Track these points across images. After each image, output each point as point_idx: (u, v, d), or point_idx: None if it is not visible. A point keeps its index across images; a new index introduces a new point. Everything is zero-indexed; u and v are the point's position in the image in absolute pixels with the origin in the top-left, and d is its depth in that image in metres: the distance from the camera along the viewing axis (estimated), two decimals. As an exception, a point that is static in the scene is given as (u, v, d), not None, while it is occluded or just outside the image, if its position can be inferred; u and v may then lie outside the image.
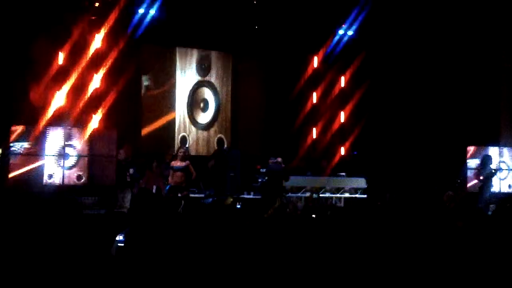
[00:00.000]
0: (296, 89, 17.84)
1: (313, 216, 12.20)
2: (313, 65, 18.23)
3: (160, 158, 14.92)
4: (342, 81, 18.37)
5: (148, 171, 14.55)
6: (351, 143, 18.04)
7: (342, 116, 18.28)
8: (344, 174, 16.45)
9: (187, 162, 13.56)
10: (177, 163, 13.55)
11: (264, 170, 15.07)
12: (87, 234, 7.53)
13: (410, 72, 17.38)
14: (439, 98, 17.19)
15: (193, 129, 17.10)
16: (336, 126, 18.31)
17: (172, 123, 16.82)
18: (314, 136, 18.10)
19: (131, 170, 13.74)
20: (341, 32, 17.77)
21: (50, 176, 13.52)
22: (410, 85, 17.41)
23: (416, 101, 17.33)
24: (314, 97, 18.25)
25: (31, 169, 13.22)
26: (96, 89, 15.09)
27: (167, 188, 13.57)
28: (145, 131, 16.42)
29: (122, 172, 13.77)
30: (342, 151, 17.94)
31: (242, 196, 14.81)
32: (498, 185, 16.81)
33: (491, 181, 14.47)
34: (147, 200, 10.72)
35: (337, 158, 17.73)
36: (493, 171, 14.44)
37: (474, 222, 9.58)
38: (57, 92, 14.44)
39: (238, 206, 10.65)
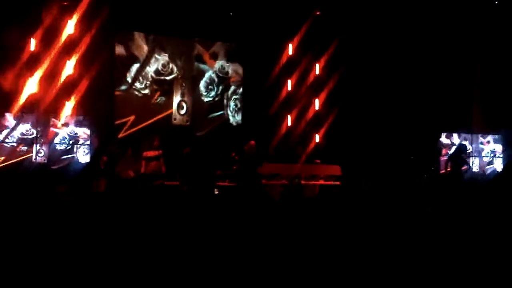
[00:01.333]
0: (271, 76, 17.69)
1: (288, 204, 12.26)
2: (287, 52, 18.15)
3: (135, 146, 14.74)
4: (317, 68, 18.34)
5: (122, 158, 14.42)
6: (325, 130, 18.05)
7: (317, 104, 18.27)
8: (319, 161, 16.48)
9: (160, 151, 13.19)
10: (150, 153, 13.23)
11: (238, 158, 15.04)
12: (62, 219, 7.46)
13: (385, 59, 17.47)
14: (413, 85, 17.35)
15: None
16: (311, 113, 18.30)
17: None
18: (289, 123, 18.07)
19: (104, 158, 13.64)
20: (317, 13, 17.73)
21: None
22: (384, 71, 17.51)
23: (390, 87, 17.45)
24: (289, 85, 18.19)
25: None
26: (69, 76, 14.37)
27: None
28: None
29: (96, 159, 13.67)
30: (317, 138, 17.95)
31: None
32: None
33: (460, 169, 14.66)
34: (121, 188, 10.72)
35: (312, 145, 17.75)
36: (463, 161, 14.59)
37: (444, 208, 9.72)
38: (29, 78, 13.77)
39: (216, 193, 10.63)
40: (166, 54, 12.70)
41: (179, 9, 15.28)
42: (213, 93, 13.25)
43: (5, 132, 11.77)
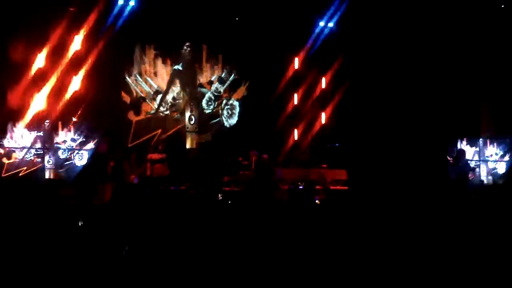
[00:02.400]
0: (277, 90, 18.00)
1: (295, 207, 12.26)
2: (293, 66, 18.30)
3: (140, 151, 15.30)
4: (323, 82, 18.49)
5: (126, 163, 14.51)
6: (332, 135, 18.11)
7: (324, 117, 18.41)
8: (325, 166, 16.48)
9: (164, 154, 14.47)
10: (155, 156, 14.44)
11: (246, 163, 15.22)
12: (68, 225, 7.46)
13: (391, 70, 17.47)
14: (420, 96, 17.33)
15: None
16: (317, 127, 18.46)
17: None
18: (296, 137, 18.26)
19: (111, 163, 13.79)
20: (321, 24, 17.80)
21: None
22: (391, 82, 17.50)
23: (397, 98, 17.43)
24: (295, 98, 18.31)
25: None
26: (75, 92, 15.23)
27: (135, 180, 13.75)
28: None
29: (102, 164, 13.69)
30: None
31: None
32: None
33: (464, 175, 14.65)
34: (128, 193, 10.69)
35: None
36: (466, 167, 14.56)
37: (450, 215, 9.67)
38: (36, 94, 14.68)
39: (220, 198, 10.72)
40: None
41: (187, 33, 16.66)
42: (211, 107, 17.29)
43: (25, 150, 14.44)
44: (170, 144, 15.45)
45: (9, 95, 14.30)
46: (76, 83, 15.23)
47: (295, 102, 18.47)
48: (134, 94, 16.31)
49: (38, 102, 14.76)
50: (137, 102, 16.35)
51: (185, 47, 16.90)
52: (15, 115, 14.46)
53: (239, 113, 17.74)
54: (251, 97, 18.03)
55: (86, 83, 15.32)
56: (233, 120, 17.51)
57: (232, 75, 17.64)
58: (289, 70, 18.34)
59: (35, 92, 14.67)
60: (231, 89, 17.68)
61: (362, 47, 17.72)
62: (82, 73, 15.25)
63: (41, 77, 14.72)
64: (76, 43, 15.21)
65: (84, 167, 14.52)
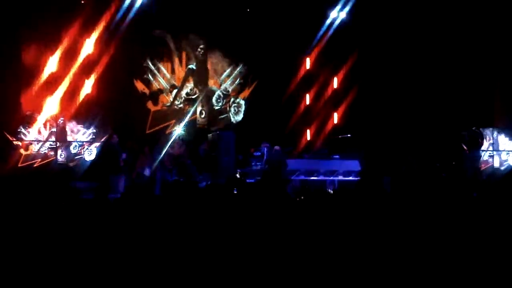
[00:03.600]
0: (288, 90, 18.32)
1: (301, 198, 12.28)
2: (305, 66, 18.37)
3: (151, 142, 15.55)
4: (335, 82, 18.53)
5: (141, 155, 14.64)
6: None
7: (336, 117, 18.46)
8: (338, 156, 16.46)
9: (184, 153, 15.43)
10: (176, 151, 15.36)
11: (258, 154, 15.26)
12: (83, 218, 7.52)
13: (403, 68, 17.43)
14: (433, 92, 17.25)
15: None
16: (329, 126, 18.53)
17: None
18: (308, 137, 18.33)
19: (123, 155, 13.93)
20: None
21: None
22: (403, 81, 17.46)
23: (409, 96, 17.40)
24: (307, 99, 18.50)
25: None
26: (87, 95, 16.02)
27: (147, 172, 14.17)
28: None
29: (115, 157, 13.79)
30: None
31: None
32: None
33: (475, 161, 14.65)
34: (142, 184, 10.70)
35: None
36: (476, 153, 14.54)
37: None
38: (49, 97, 15.45)
39: (235, 191, 10.74)
40: (192, 83, 18.01)
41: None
42: (220, 104, 18.42)
43: (40, 143, 15.45)
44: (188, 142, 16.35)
45: (25, 92, 15.19)
46: (92, 81, 16.04)
47: (307, 102, 18.60)
48: (153, 86, 17.59)
49: (54, 100, 15.53)
50: (156, 94, 17.61)
51: (199, 49, 17.99)
52: (31, 111, 15.27)
53: (244, 111, 18.66)
54: (259, 96, 18.49)
55: (103, 82, 16.07)
56: (239, 117, 18.61)
57: (238, 79, 18.62)
58: (301, 70, 18.70)
59: (50, 91, 15.44)
60: (239, 89, 18.69)
61: (374, 42, 17.67)
62: (98, 70, 15.97)
63: (56, 79, 15.47)
64: (92, 40, 15.87)
65: (96, 159, 14.85)
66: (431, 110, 17.31)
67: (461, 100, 17.20)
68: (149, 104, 17.49)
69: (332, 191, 14.50)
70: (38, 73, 15.21)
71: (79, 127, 15.88)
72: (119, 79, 16.42)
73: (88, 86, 15.90)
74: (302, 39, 18.08)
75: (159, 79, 17.60)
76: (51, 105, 15.42)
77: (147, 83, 17.40)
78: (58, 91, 15.42)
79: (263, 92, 18.36)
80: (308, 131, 18.50)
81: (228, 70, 18.41)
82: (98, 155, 15.00)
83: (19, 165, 14.93)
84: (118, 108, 16.31)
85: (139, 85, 17.25)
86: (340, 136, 17.58)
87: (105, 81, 16.00)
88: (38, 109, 15.29)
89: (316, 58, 18.53)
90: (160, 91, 17.59)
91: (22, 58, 15.02)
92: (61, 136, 15.25)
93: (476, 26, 16.91)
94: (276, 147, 15.18)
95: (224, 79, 18.41)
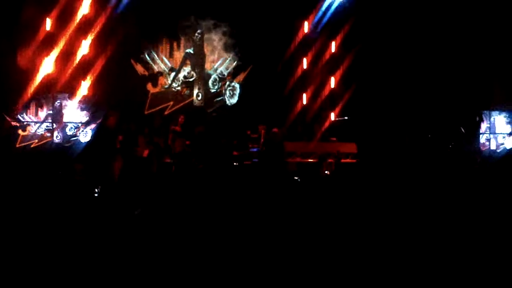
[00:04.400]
0: (286, 55, 17.88)
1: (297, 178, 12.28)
2: (303, 30, 18.16)
3: (151, 123, 15.79)
4: (333, 47, 18.29)
5: (141, 136, 14.58)
6: (341, 108, 17.98)
7: (333, 82, 18.23)
8: (335, 139, 16.41)
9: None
10: (178, 128, 15.39)
11: (255, 136, 15.23)
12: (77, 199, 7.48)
13: (401, 35, 17.24)
14: (431, 61, 17.11)
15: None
16: (326, 92, 18.29)
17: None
18: (304, 102, 18.13)
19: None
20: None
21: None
22: (400, 48, 17.27)
23: (408, 64, 17.23)
24: (305, 63, 18.22)
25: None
26: (84, 56, 16.06)
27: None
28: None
29: (111, 139, 13.70)
30: (332, 116, 17.87)
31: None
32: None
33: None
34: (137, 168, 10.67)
35: (327, 124, 17.70)
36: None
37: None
38: (46, 58, 15.55)
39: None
40: (189, 66, 18.36)
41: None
42: (216, 87, 18.70)
43: (38, 124, 15.78)
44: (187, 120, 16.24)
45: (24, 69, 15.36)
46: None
47: (304, 66, 18.36)
48: (152, 69, 17.97)
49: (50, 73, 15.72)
50: (155, 76, 17.97)
51: (197, 34, 18.17)
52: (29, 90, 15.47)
53: (239, 94, 18.77)
54: (255, 76, 18.46)
55: (106, 60, 16.14)
56: (234, 100, 18.87)
57: (235, 62, 18.71)
58: (299, 34, 18.30)
59: (46, 59, 15.59)
60: (234, 74, 18.82)
61: (374, 12, 17.50)
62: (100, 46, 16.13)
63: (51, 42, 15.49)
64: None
65: (92, 141, 14.92)
66: (430, 91, 17.18)
67: (460, 81, 17.09)
68: (149, 86, 17.84)
69: (328, 173, 14.50)
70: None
71: (77, 106, 16.14)
72: (118, 60, 16.49)
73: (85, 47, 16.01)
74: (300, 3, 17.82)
75: (158, 62, 17.91)
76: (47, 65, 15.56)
77: (146, 66, 17.69)
78: (56, 56, 15.56)
79: (259, 72, 18.27)
80: (304, 95, 18.28)
81: (224, 56, 18.57)
82: (94, 136, 14.98)
83: (17, 145, 15.40)
84: (117, 89, 16.40)
85: (139, 68, 17.56)
86: (337, 119, 17.51)
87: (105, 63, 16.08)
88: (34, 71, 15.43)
89: (314, 22, 18.19)
90: (160, 73, 17.98)
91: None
92: (57, 117, 15.60)
93: (476, 8, 16.81)
94: (274, 129, 15.03)
95: (221, 64, 18.58)
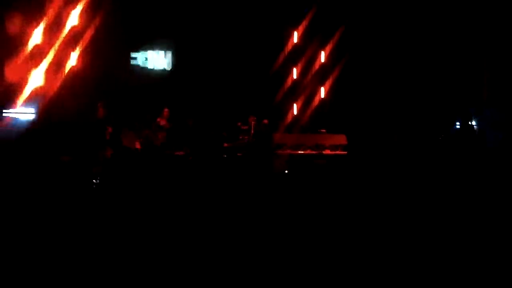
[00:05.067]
0: (276, 64, 18.10)
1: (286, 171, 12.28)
2: (293, 40, 18.18)
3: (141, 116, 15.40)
4: (322, 56, 18.41)
5: (125, 129, 14.51)
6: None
7: (323, 91, 18.37)
8: (324, 130, 16.46)
9: (171, 124, 14.93)
10: (163, 121, 14.95)
11: (245, 127, 15.22)
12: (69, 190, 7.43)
13: (390, 38, 17.37)
14: (420, 66, 17.23)
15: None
16: (316, 101, 18.47)
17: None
18: (295, 112, 18.27)
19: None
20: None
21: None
22: (390, 49, 17.40)
23: (396, 69, 17.36)
24: (295, 72, 18.40)
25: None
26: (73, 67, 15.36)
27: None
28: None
29: (101, 130, 13.65)
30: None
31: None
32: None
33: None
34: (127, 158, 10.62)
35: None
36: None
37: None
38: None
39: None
40: None
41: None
42: None
43: None
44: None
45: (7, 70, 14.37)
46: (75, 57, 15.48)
47: (294, 76, 18.45)
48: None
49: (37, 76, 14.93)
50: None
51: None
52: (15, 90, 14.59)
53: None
54: (246, 71, 18.14)
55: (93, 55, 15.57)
56: None
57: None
58: (288, 44, 18.43)
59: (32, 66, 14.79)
60: None
61: (362, 17, 17.63)
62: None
63: (40, 53, 14.80)
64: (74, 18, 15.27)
65: (82, 132, 14.71)
66: (418, 86, 17.29)
67: (449, 77, 17.20)
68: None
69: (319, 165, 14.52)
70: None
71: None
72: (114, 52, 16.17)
73: (73, 59, 15.43)
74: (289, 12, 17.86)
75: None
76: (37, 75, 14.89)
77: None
78: (44, 64, 14.89)
79: (250, 67, 18.08)
80: (295, 105, 18.40)
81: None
82: (84, 128, 14.84)
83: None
84: (111, 81, 15.99)
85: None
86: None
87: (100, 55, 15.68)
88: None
89: (303, 31, 18.34)
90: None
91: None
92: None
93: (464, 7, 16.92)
94: (264, 120, 15.10)
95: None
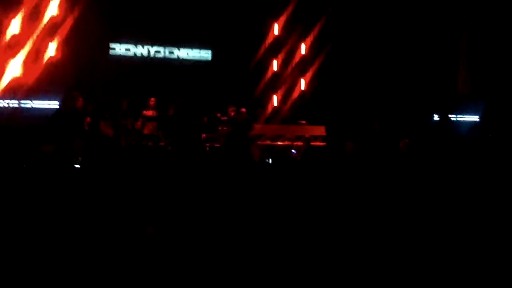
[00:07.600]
0: (257, 56, 18.07)
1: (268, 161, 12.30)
2: (273, 32, 18.14)
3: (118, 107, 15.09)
4: (303, 48, 18.41)
5: (102, 120, 14.44)
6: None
7: (303, 83, 18.35)
8: (304, 122, 16.52)
9: (156, 112, 14.67)
10: (149, 113, 14.65)
11: (225, 118, 15.17)
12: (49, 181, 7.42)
13: (370, 30, 17.48)
14: (401, 59, 17.36)
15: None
16: (296, 93, 18.51)
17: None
18: (275, 103, 18.26)
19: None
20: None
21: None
22: (369, 46, 17.50)
23: (377, 59, 17.45)
24: (275, 64, 18.42)
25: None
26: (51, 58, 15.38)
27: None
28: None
29: (79, 120, 13.57)
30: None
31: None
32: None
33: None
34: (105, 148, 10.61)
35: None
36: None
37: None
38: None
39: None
40: None
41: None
42: None
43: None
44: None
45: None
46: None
47: (275, 68, 18.43)
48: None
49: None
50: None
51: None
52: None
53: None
54: (226, 62, 18.11)
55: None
56: None
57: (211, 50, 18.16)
58: (269, 36, 18.41)
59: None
60: None
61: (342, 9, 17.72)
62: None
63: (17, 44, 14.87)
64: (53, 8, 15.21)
65: (60, 122, 14.56)
66: (397, 78, 17.43)
67: (427, 68, 17.35)
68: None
69: (295, 153, 14.59)
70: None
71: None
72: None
73: (52, 49, 15.45)
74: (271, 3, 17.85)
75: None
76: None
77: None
78: (21, 54, 14.94)
79: (230, 58, 18.07)
80: (275, 97, 18.45)
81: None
82: (63, 118, 14.72)
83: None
84: (90, 72, 15.92)
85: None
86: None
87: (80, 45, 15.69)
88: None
89: (284, 23, 18.35)
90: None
91: None
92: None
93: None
94: (242, 109, 14.92)
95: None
